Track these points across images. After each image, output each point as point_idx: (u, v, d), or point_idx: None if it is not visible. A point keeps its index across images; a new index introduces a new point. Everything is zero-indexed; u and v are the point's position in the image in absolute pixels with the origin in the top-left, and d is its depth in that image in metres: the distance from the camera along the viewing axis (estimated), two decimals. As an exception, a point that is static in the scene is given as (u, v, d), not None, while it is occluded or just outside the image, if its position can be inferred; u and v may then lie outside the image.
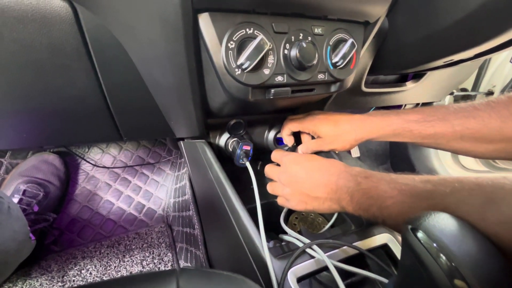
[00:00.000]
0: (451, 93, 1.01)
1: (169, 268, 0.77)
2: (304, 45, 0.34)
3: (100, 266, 0.74)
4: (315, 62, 0.35)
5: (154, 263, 0.77)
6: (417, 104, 1.06)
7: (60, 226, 0.82)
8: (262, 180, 0.64)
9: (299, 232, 0.45)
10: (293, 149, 0.54)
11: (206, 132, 0.54)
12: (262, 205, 0.44)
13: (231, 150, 0.56)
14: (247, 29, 0.32)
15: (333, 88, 0.42)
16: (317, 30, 0.36)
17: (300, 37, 0.35)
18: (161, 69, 0.37)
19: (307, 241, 0.38)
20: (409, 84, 0.80)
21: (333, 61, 0.38)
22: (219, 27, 0.30)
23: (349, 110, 0.79)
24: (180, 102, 0.43)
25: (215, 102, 0.40)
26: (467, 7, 0.34)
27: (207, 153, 0.51)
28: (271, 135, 0.61)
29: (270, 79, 0.34)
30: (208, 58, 0.32)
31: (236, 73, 0.32)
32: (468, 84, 1.05)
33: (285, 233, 0.44)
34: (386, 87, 0.75)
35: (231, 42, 0.31)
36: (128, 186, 0.92)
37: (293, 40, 0.35)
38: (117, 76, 0.41)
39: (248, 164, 0.48)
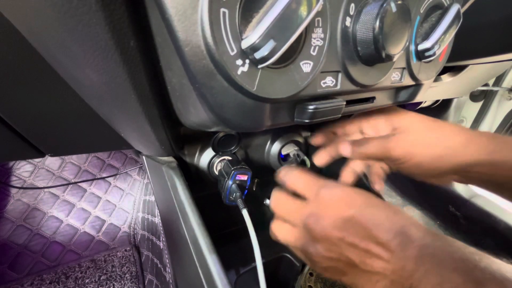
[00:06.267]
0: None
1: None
2: (394, 7, 0.14)
3: (39, 312, 0.55)
4: (405, 45, 0.16)
5: (115, 303, 0.59)
6: (437, 101, 0.91)
7: (-16, 254, 0.61)
8: (259, 207, 0.47)
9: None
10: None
11: (177, 146, 0.34)
12: (264, 265, 0.27)
13: (217, 174, 0.37)
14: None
15: (402, 96, 0.24)
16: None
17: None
18: (73, 61, 0.17)
19: None
20: (445, 78, 0.64)
21: (422, 46, 0.20)
22: None
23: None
24: (124, 113, 0.23)
25: (187, 119, 0.20)
26: None
27: (175, 183, 0.31)
28: (275, 148, 0.43)
29: (312, 83, 0.15)
30: (166, 32, 0.12)
31: (238, 71, 0.13)
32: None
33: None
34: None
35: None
36: (82, 196, 0.72)
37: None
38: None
39: (245, 212, 0.29)
